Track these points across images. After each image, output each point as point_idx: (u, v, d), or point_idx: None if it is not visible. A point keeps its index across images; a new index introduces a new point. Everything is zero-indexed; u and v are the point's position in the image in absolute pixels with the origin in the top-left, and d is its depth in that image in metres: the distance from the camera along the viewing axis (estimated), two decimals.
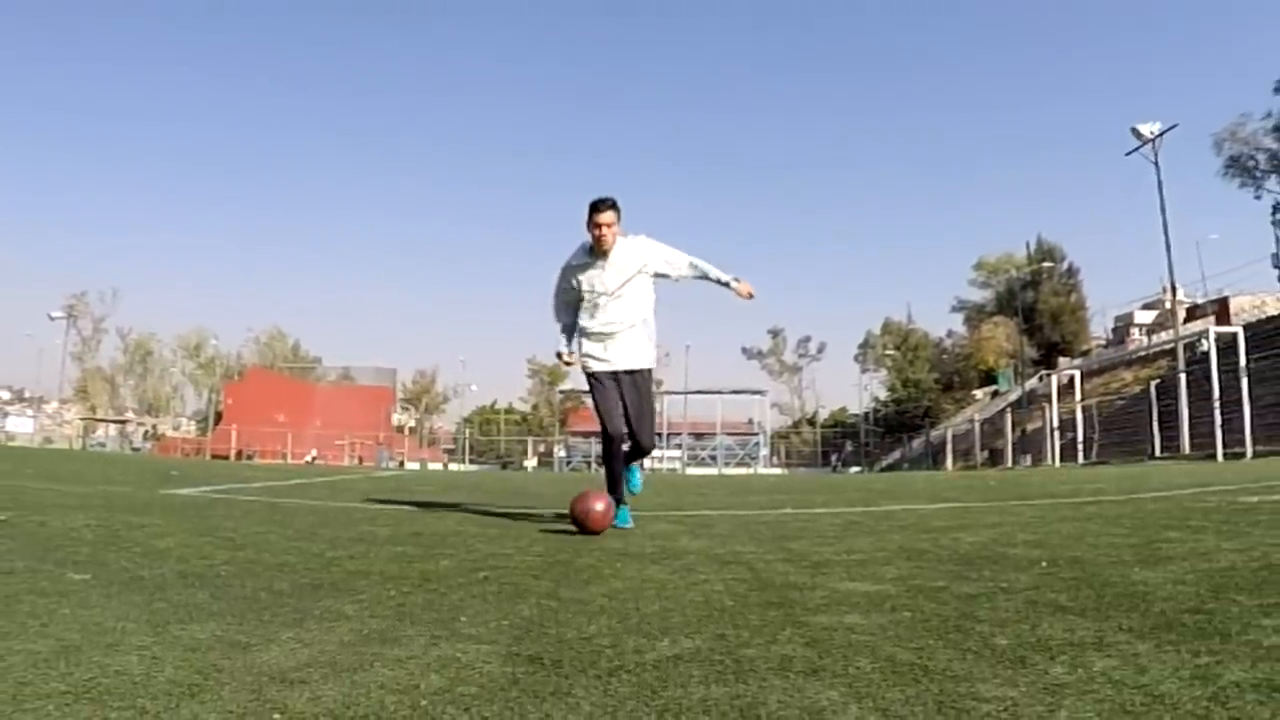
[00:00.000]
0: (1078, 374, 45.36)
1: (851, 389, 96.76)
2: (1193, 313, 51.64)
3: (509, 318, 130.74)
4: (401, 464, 49.49)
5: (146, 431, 72.03)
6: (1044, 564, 3.58)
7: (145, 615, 2.51)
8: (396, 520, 5.93)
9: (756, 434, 62.54)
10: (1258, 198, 61.27)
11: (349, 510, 6.80)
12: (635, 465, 6.11)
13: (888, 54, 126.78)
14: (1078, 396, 40.17)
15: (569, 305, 5.97)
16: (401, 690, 1.84)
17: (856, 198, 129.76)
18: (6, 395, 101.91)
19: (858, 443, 70.52)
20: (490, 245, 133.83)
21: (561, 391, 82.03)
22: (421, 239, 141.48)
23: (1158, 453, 29.27)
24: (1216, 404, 25.70)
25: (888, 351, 79.00)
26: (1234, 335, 28.28)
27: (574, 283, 5.80)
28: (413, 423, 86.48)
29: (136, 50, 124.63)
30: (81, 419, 74.43)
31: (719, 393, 62.63)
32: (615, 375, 5.79)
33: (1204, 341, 30.65)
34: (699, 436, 61.14)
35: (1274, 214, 60.80)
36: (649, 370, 5.93)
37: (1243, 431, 24.24)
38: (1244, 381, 25.46)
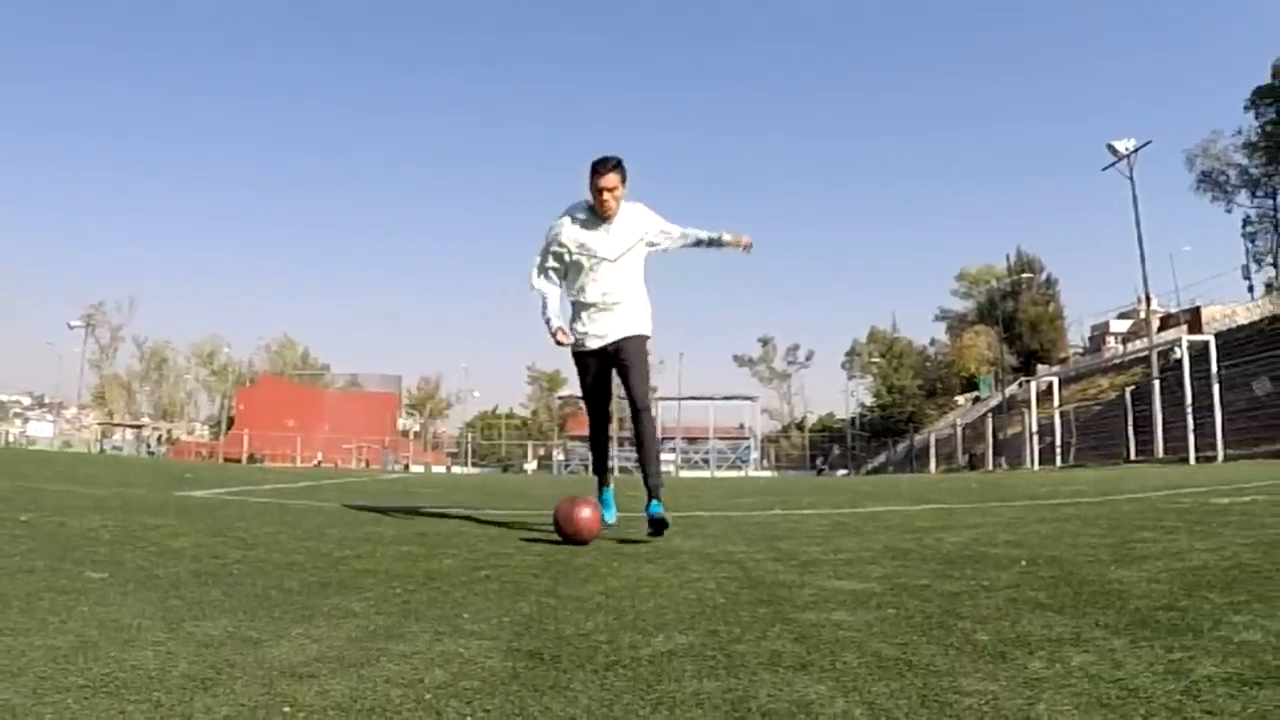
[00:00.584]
0: (1056, 381, 45.28)
1: (839, 395, 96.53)
2: (1166, 322, 51.69)
3: (510, 327, 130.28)
4: (406, 467, 49.46)
5: (161, 436, 71.84)
6: (1023, 563, 3.58)
7: (160, 612, 2.51)
8: (401, 521, 5.92)
9: (747, 438, 62.54)
10: (1228, 211, 61.63)
11: (356, 511, 6.79)
12: (655, 498, 5.03)
13: (872, 74, 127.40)
14: (1056, 402, 40.12)
15: (555, 271, 5.22)
16: (406, 684, 1.83)
17: (843, 212, 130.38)
18: (27, 400, 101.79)
19: (845, 447, 70.55)
20: (492, 258, 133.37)
21: (560, 397, 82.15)
22: (426, 252, 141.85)
23: (1133, 456, 29.28)
24: (1189, 409, 25.71)
25: (873, 359, 79.06)
26: (1206, 343, 28.27)
27: (566, 244, 5.07)
28: (417, 427, 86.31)
29: (152, 71, 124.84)
30: (99, 424, 74.40)
31: (711, 399, 62.70)
32: (608, 350, 5.13)
33: (1177, 349, 30.72)
34: (692, 440, 61.16)
35: (1244, 227, 61.07)
36: (646, 336, 5.21)
37: (1214, 436, 24.26)
38: (1215, 388, 25.46)
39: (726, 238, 5.37)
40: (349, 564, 3.65)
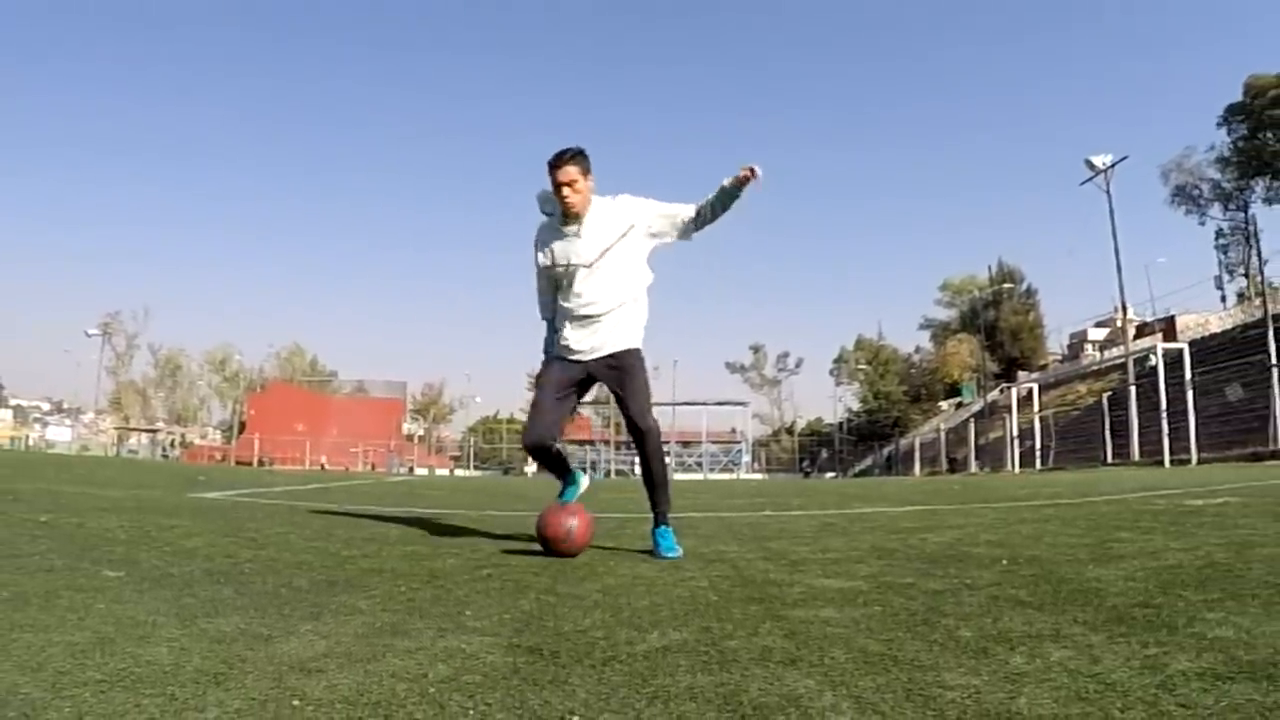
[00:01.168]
0: (1036, 387, 45.32)
1: (827, 400, 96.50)
2: (1142, 330, 51.80)
3: (511, 335, 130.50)
4: (411, 470, 49.34)
5: (175, 440, 71.68)
6: (1005, 562, 3.58)
7: (174, 609, 2.50)
8: (406, 522, 5.91)
9: (739, 442, 62.56)
10: (1202, 224, 62.18)
11: (362, 513, 6.78)
12: (665, 540, 4.22)
13: (861, 94, 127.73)
14: (1036, 407, 40.13)
15: (551, 289, 4.52)
16: (411, 679, 1.83)
17: (832, 225, 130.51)
18: (47, 406, 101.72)
19: (832, 450, 70.48)
20: (494, 269, 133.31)
21: None
22: (430, 262, 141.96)
23: (1110, 459, 29.27)
24: (1164, 414, 25.73)
25: (860, 366, 79.00)
26: (1180, 351, 28.33)
27: (546, 255, 4.40)
28: (421, 432, 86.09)
29: (166, 88, 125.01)
30: (115, 428, 74.11)
31: (704, 404, 62.80)
32: (589, 367, 4.38)
33: (1152, 357, 30.81)
34: (686, 445, 61.09)
35: (1217, 239, 61.56)
36: (636, 349, 4.39)
37: (1188, 440, 24.28)
38: (1189, 394, 25.50)
39: (727, 182, 4.27)
40: (356, 563, 3.65)
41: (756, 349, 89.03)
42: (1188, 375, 26.34)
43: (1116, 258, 34.91)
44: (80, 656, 1.94)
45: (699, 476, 47.18)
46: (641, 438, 4.38)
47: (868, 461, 60.68)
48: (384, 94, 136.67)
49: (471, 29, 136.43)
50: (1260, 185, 57.42)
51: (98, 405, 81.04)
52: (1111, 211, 34.17)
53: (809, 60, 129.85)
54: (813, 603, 2.75)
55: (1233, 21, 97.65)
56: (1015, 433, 37.00)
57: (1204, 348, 36.45)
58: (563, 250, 4.32)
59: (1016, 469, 34.13)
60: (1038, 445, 35.53)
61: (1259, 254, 40.18)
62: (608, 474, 51.60)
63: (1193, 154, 60.12)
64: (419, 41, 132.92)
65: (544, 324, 4.59)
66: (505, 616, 2.54)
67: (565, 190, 4.19)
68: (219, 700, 1.66)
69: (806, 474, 57.75)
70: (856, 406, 79.22)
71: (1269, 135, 53.83)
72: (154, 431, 73.14)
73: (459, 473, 54.42)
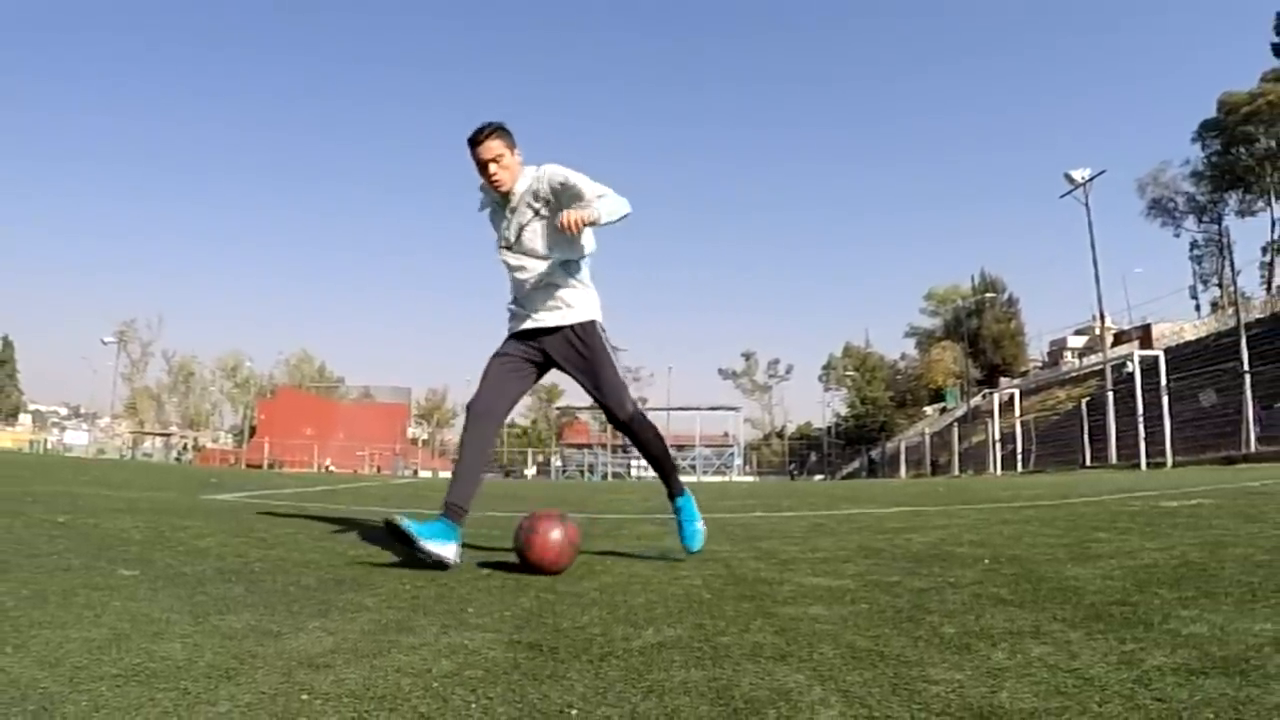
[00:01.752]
0: (1017, 392, 45.40)
1: (816, 405, 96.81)
2: (1119, 338, 51.82)
3: None
4: (415, 472, 49.29)
5: (188, 444, 71.51)
6: (987, 561, 3.58)
7: (187, 607, 2.50)
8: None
9: (731, 445, 62.60)
10: (1177, 236, 62.57)
11: (369, 513, 6.77)
12: (686, 507, 3.91)
13: (851, 111, 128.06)
14: (1017, 412, 40.18)
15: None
16: (416, 674, 1.83)
17: (821, 236, 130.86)
18: (65, 411, 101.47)
19: (821, 454, 70.56)
20: (495, 277, 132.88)
21: (558, 408, 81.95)
22: (434, 271, 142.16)
23: (1088, 463, 29.31)
24: (1140, 419, 25.78)
25: (848, 372, 79.18)
26: (1156, 358, 28.39)
27: (496, 241, 4.00)
28: (425, 435, 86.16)
29: (181, 106, 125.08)
30: (130, 432, 74.01)
31: (698, 409, 62.89)
32: (547, 340, 3.90)
33: (1129, 364, 30.78)
34: (680, 448, 61.02)
35: (1191, 250, 61.86)
36: (589, 323, 3.89)
37: (1163, 444, 24.31)
38: (1165, 399, 25.54)
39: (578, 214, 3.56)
40: (362, 562, 3.64)
41: (748, 356, 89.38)
42: (1163, 381, 26.40)
43: (1095, 268, 35.01)
44: (97, 652, 1.93)
45: (693, 479, 47.15)
46: (626, 427, 3.94)
47: (855, 464, 60.73)
48: (390, 104, 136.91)
49: (479, 35, 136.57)
50: (1233, 199, 57.75)
51: (113, 410, 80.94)
52: (1090, 223, 34.29)
53: (800, 81, 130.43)
54: (802, 600, 2.75)
55: (1207, 41, 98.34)
56: (997, 437, 37.05)
57: (1179, 355, 36.52)
58: (497, 229, 3.97)
59: (998, 472, 34.18)
60: (1019, 449, 35.59)
61: (1231, 265, 40.32)
62: (605, 476, 51.57)
63: (1168, 168, 60.49)
64: (428, 53, 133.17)
65: None
66: (506, 613, 2.53)
67: (492, 168, 3.77)
68: (230, 694, 1.66)
69: (793, 476, 57.76)
70: (844, 411, 79.37)
71: (1241, 150, 54.08)
72: (168, 435, 73.10)
73: None
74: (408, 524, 3.43)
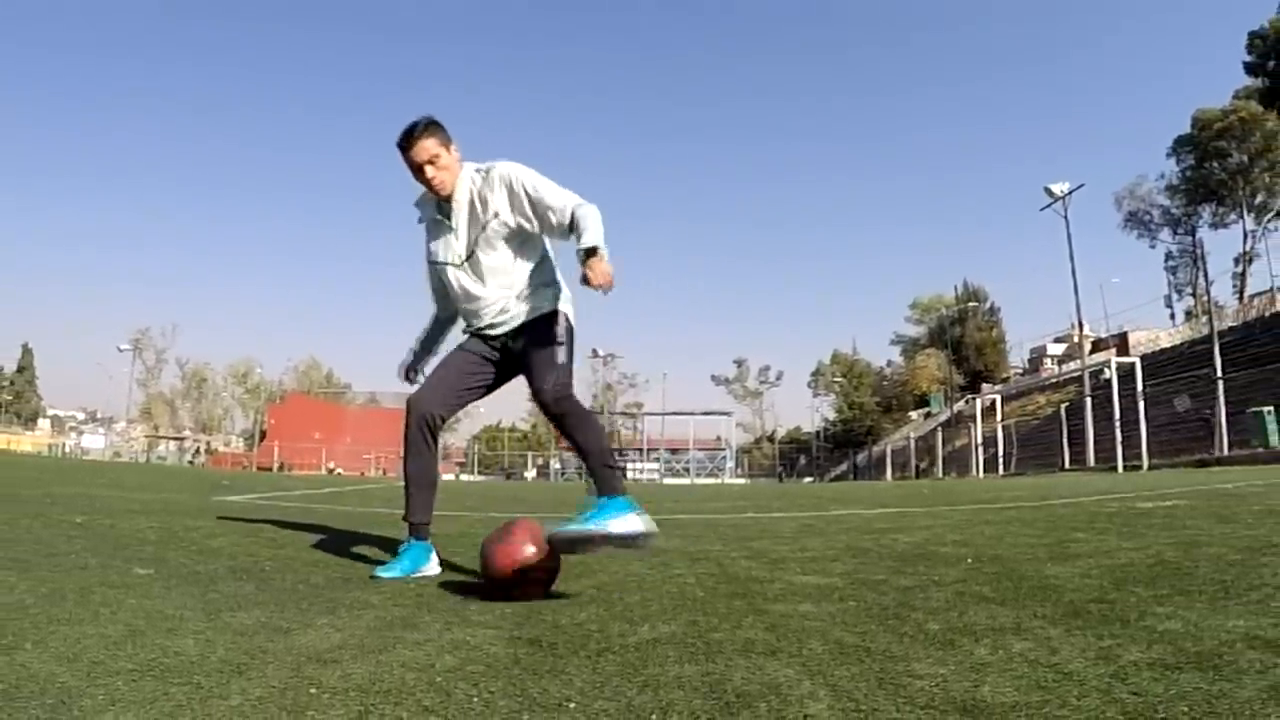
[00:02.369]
0: (998, 398, 45.49)
1: (805, 410, 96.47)
2: (1097, 345, 51.97)
3: None
4: None
5: (201, 447, 71.33)
6: (969, 560, 3.58)
7: (200, 604, 2.50)
8: None
9: (724, 449, 62.43)
10: (1152, 247, 62.86)
11: (375, 514, 6.76)
12: (608, 507, 2.96)
13: (843, 126, 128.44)
14: (999, 417, 40.25)
15: (436, 291, 3.63)
16: (420, 669, 1.84)
17: (810, 247, 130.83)
18: (82, 416, 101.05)
19: (810, 457, 70.54)
20: None
21: None
22: None
23: (1067, 465, 29.34)
24: (1117, 424, 25.80)
25: (836, 379, 79.17)
26: (1132, 365, 28.42)
27: (430, 258, 3.47)
28: None
29: (191, 116, 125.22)
30: (145, 436, 73.72)
31: (691, 414, 62.71)
32: (498, 346, 3.40)
33: (1107, 370, 30.90)
34: (674, 452, 61.03)
35: (1166, 261, 62.14)
36: (552, 313, 3.31)
37: (1140, 447, 24.37)
38: (1141, 404, 25.60)
39: (588, 264, 2.93)
40: (368, 561, 3.64)
41: (740, 363, 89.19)
42: (1139, 387, 26.45)
43: (1074, 278, 35.32)
44: (113, 648, 1.93)
45: (686, 481, 47.14)
46: (548, 410, 3.24)
47: (843, 467, 60.72)
48: (397, 117, 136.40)
49: (482, 50, 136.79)
50: (1207, 211, 57.98)
51: (129, 415, 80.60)
52: (1069, 235, 34.31)
53: (792, 98, 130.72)
54: (792, 598, 2.75)
55: (1182, 59, 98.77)
56: (979, 440, 37.14)
57: (1154, 362, 36.66)
58: (435, 246, 3.42)
59: (981, 474, 34.20)
60: (1000, 452, 35.63)
61: (1205, 275, 40.30)
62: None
63: (1144, 182, 60.83)
64: (435, 62, 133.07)
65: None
66: (507, 611, 2.53)
67: (429, 170, 3.22)
68: (241, 689, 1.66)
69: (782, 479, 57.75)
70: (832, 416, 79.31)
71: (1215, 165, 54.24)
72: (181, 439, 72.86)
73: (464, 477, 54.16)
74: (382, 573, 3.17)
